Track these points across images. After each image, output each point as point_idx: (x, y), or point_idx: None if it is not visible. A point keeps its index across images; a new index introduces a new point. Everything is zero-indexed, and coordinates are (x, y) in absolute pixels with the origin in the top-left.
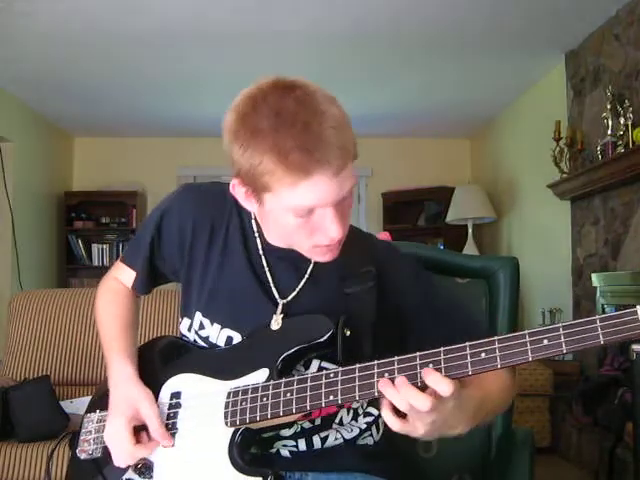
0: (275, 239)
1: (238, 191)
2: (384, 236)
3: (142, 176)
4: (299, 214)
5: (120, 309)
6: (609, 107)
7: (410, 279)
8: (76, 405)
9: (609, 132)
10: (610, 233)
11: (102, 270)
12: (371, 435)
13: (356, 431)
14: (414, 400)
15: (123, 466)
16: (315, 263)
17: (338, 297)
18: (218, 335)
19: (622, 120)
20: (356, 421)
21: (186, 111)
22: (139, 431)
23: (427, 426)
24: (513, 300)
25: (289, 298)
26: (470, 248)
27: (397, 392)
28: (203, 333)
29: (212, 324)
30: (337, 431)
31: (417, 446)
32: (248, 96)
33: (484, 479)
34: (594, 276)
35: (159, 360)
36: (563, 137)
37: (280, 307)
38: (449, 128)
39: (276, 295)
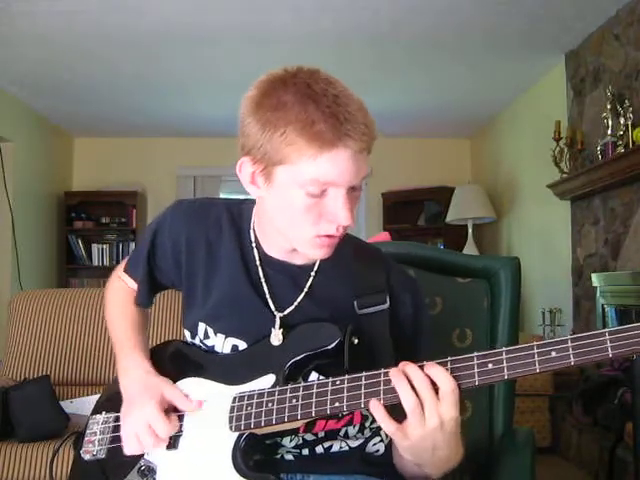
0: (274, 245)
1: (245, 171)
2: (384, 236)
3: (142, 176)
4: (312, 192)
5: (130, 308)
6: (609, 107)
7: (410, 316)
8: (76, 405)
9: (609, 132)
10: (610, 233)
11: (102, 270)
12: (382, 441)
13: (361, 439)
14: (439, 376)
15: (150, 449)
16: (315, 278)
17: (349, 316)
18: (223, 344)
19: (622, 120)
20: (362, 433)
21: (185, 111)
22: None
23: (424, 433)
24: (514, 300)
25: (286, 312)
26: (470, 248)
27: (418, 370)
28: (208, 342)
29: (216, 334)
30: (342, 440)
31: None
32: (275, 74)
33: (484, 479)
34: (594, 276)
35: (165, 364)
36: (563, 137)
37: (278, 321)
38: (449, 128)
39: (272, 308)
